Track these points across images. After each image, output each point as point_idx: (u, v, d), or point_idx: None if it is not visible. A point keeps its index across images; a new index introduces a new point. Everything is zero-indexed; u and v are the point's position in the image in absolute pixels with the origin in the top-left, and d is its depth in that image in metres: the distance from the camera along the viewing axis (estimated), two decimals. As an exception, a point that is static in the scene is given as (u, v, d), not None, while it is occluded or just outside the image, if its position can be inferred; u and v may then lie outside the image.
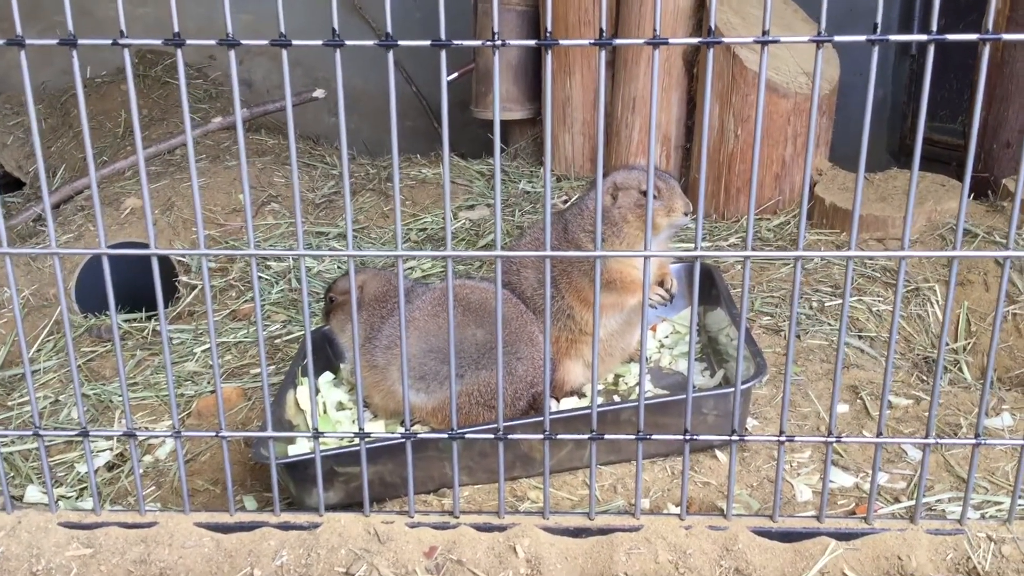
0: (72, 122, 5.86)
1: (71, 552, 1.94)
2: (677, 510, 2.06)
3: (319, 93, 5.23)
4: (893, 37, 1.63)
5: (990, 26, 1.63)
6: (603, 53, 1.68)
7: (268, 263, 3.99)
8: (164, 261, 3.85)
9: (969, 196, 2.01)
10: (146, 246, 1.85)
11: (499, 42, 1.64)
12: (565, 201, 4.64)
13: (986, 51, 1.67)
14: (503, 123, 5.29)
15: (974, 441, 1.89)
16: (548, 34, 1.66)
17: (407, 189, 4.82)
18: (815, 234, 3.97)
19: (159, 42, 1.65)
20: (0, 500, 2.06)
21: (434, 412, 2.58)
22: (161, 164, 5.04)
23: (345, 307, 2.81)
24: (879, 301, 3.34)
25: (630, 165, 3.00)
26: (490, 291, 2.71)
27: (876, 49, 1.62)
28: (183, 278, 3.99)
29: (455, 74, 5.32)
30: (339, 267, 3.95)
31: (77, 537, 1.98)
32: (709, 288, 2.93)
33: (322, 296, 3.69)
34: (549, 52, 1.68)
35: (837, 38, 1.62)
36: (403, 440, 1.95)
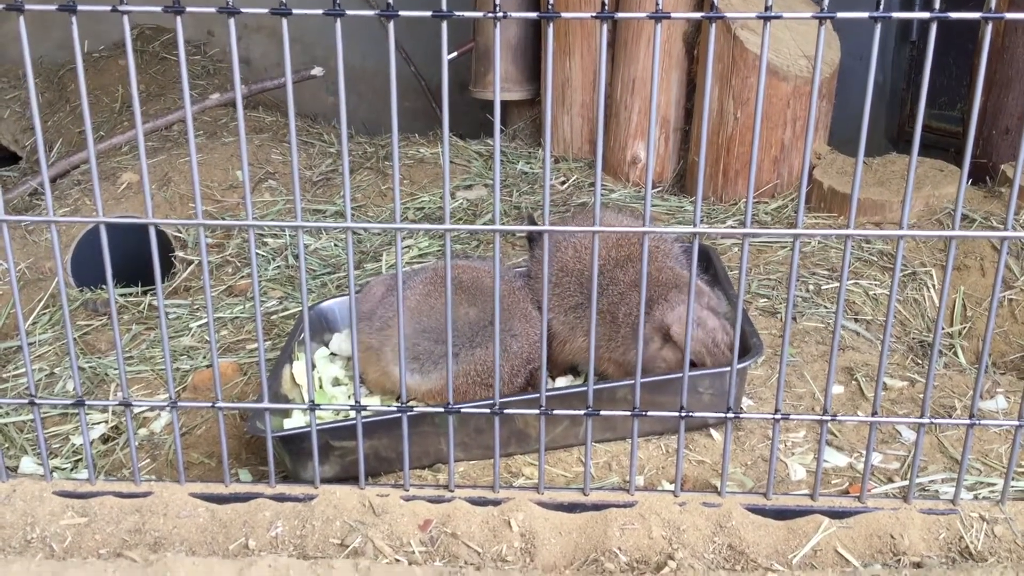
0: (69, 96, 5.84)
1: (66, 521, 1.95)
2: (671, 487, 2.06)
3: (318, 71, 5.21)
4: (896, 14, 1.63)
5: (992, 6, 1.63)
6: (604, 28, 1.67)
7: (265, 239, 3.98)
8: (160, 237, 3.84)
9: (967, 181, 2.01)
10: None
11: (500, 14, 1.63)
12: (563, 182, 4.63)
13: (988, 30, 1.66)
14: (502, 103, 5.28)
15: (968, 422, 1.89)
16: (550, 6, 1.65)
17: (405, 168, 4.80)
18: (813, 217, 3.97)
19: (159, 9, 1.64)
20: (-5, 469, 2.07)
21: (430, 394, 2.58)
22: (158, 140, 5.02)
23: None
24: (876, 284, 3.34)
25: (711, 313, 2.50)
26: (482, 270, 2.71)
27: (878, 27, 1.62)
28: (179, 253, 3.99)
29: (455, 52, 5.29)
30: (336, 244, 3.94)
31: (72, 506, 1.98)
32: (706, 268, 2.93)
33: (319, 273, 3.68)
34: (551, 25, 1.67)
35: (839, 15, 1.62)
36: (399, 414, 1.95)
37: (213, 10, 1.65)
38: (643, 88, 4.50)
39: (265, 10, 1.66)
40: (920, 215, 3.78)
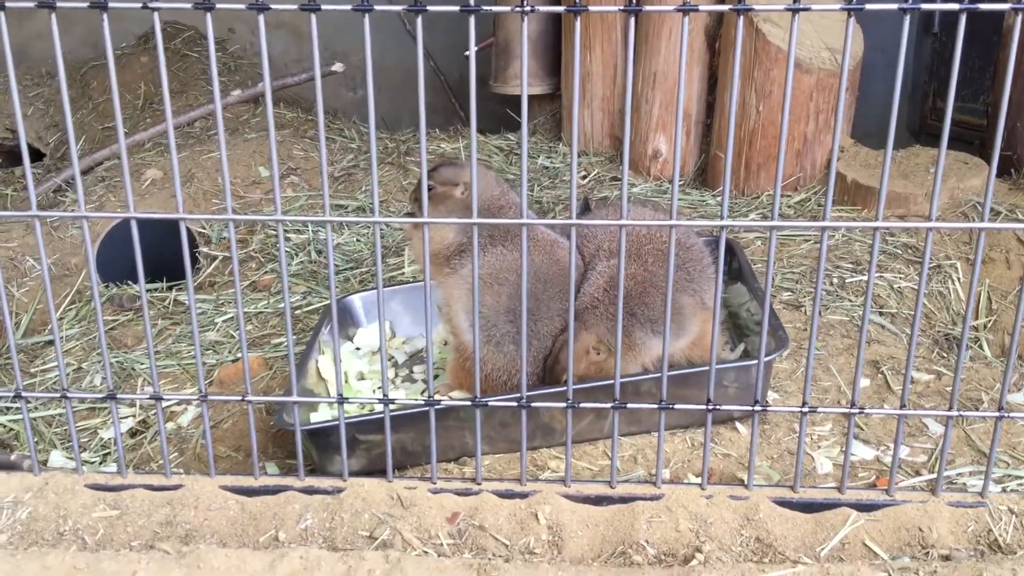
0: (92, 94, 5.87)
1: (98, 513, 1.97)
2: (697, 480, 2.06)
3: (338, 67, 5.22)
4: (925, 5, 1.62)
5: (1023, -4, 1.62)
6: (633, 22, 1.67)
7: (288, 235, 4.00)
8: (186, 232, 3.86)
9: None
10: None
11: (528, 8, 1.63)
12: (584, 177, 4.63)
13: (1018, 21, 1.65)
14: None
15: (997, 414, 1.89)
16: (577, 1, 1.65)
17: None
18: (836, 210, 3.96)
19: (189, 6, 1.65)
20: (28, 462, 2.09)
21: (490, 363, 2.53)
22: (181, 136, 5.05)
23: (448, 201, 2.52)
24: (900, 278, 3.33)
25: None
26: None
27: (908, 18, 1.61)
28: (204, 249, 4.01)
29: (475, 47, 5.29)
30: (358, 239, 3.96)
31: (103, 499, 2.00)
32: (730, 262, 2.93)
33: (342, 268, 3.70)
34: (578, 19, 1.67)
35: (868, 6, 1.61)
36: (426, 408, 1.96)
37: (243, 6, 1.66)
38: (664, 81, 4.49)
39: (294, 6, 1.67)
40: (945, 208, 3.76)
